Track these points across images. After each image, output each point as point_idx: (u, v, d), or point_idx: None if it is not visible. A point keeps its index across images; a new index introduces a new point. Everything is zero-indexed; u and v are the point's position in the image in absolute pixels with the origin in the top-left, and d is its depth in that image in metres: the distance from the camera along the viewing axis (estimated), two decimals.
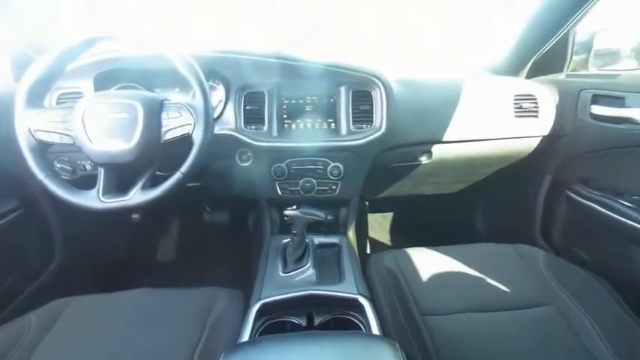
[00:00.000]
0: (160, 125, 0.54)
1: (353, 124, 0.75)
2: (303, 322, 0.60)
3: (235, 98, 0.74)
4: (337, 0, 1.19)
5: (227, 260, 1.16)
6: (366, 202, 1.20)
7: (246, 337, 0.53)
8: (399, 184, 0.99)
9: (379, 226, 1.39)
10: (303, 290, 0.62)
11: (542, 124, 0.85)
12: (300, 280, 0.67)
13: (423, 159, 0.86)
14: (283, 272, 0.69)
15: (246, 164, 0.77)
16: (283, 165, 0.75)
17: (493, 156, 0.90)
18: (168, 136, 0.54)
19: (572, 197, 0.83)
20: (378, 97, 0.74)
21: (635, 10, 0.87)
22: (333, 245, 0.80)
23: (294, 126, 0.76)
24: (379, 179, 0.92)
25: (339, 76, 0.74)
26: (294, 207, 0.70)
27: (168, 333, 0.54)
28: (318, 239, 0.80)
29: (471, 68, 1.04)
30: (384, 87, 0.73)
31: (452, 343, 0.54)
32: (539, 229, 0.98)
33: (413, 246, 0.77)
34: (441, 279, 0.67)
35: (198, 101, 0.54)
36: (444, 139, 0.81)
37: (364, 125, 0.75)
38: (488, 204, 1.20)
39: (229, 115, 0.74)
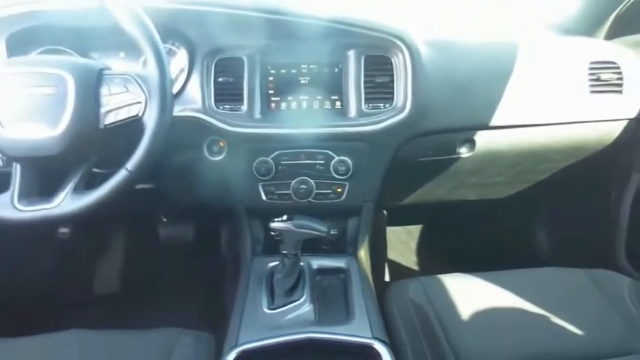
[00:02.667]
0: (98, 104, 0.54)
1: (366, 102, 0.75)
2: None
3: (203, 67, 0.74)
4: None
5: (191, 292, 1.16)
6: (385, 212, 1.22)
7: None
8: (430, 187, 1.00)
9: (402, 245, 1.42)
10: (298, 333, 0.61)
11: (629, 103, 0.90)
12: (292, 319, 0.66)
13: (463, 151, 0.88)
14: (269, 308, 0.68)
15: (218, 158, 0.77)
16: (269, 159, 0.75)
17: (559, 147, 0.93)
18: (110, 119, 0.54)
19: None
20: (401, 64, 0.74)
21: None
22: (338, 271, 0.80)
23: (283, 105, 0.76)
24: (402, 179, 0.94)
25: (346, 37, 0.75)
26: (284, 217, 0.69)
27: None
28: (318, 262, 0.80)
29: (530, 26, 1.07)
30: (409, 51, 0.74)
31: None
32: (623, 247, 1.04)
33: (448, 271, 0.79)
34: (487, 317, 0.70)
35: (152, 71, 0.53)
36: (492, 123, 0.84)
37: (381, 104, 0.76)
38: (551, 214, 1.25)
39: (194, 91, 0.74)
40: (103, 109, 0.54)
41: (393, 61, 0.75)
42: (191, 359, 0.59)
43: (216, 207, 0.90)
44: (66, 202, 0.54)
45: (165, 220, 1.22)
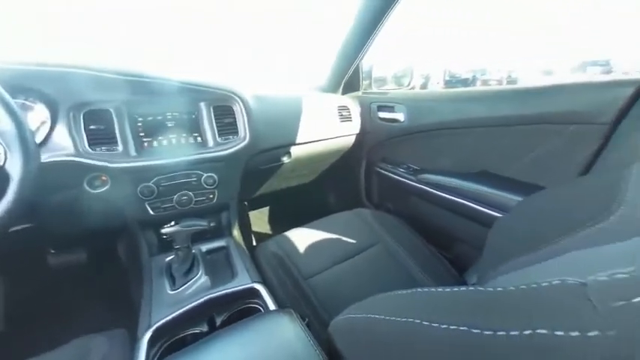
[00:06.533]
0: None
1: (219, 136, 0.73)
2: (205, 329, 0.57)
3: (69, 118, 0.58)
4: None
5: (95, 302, 0.88)
6: (245, 203, 1.20)
7: None
8: (269, 182, 1.04)
9: (259, 221, 1.42)
10: (199, 299, 0.58)
11: (355, 126, 1.07)
12: (194, 291, 0.62)
13: (285, 159, 0.94)
14: (172, 290, 0.62)
15: (102, 190, 0.63)
16: (150, 184, 0.66)
17: (331, 150, 1.06)
18: None
19: (379, 171, 1.13)
20: (239, 110, 0.76)
21: (393, 50, 1.26)
22: (221, 248, 0.78)
23: (155, 143, 0.67)
24: (252, 181, 0.96)
25: (197, 93, 0.71)
26: (172, 223, 0.64)
27: None
28: (206, 246, 0.77)
29: (304, 87, 1.18)
30: (243, 102, 0.75)
31: (328, 292, 0.63)
32: (364, 195, 1.22)
33: (289, 229, 0.82)
34: (313, 247, 0.75)
35: (6, 124, 0.41)
36: (297, 141, 0.91)
37: (230, 136, 0.74)
38: (333, 185, 1.37)
39: (62, 139, 0.58)
40: None
41: (234, 108, 0.75)
42: (107, 356, 0.48)
43: (108, 228, 0.73)
44: None
45: (52, 251, 0.88)
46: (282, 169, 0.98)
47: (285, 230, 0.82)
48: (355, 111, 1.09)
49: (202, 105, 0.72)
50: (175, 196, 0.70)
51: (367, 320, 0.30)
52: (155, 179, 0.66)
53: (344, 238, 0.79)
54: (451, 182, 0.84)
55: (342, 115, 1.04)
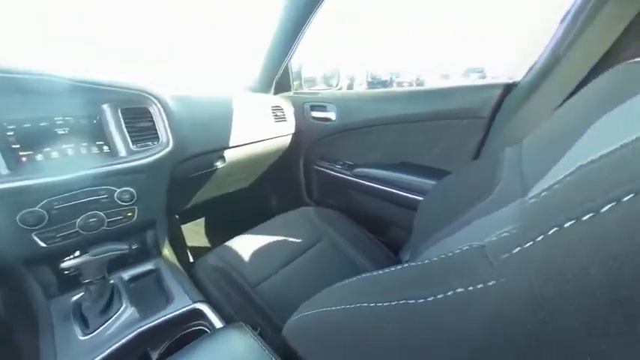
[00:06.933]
0: None
1: (134, 143, 0.61)
2: None
3: None
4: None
5: None
6: (176, 216, 1.07)
7: None
8: (202, 191, 0.95)
9: (195, 234, 1.28)
10: (125, 336, 0.49)
11: (290, 126, 1.05)
12: (117, 329, 0.51)
13: (219, 164, 0.87)
14: (84, 335, 0.50)
15: None
16: (37, 209, 0.50)
17: (268, 152, 1.02)
18: None
19: (317, 169, 1.15)
20: (157, 113, 0.65)
21: (320, 50, 1.29)
22: (149, 272, 0.67)
23: (39, 157, 0.51)
24: (182, 191, 0.85)
25: (97, 93, 0.57)
26: (77, 253, 0.50)
27: None
28: (129, 273, 0.65)
29: (234, 87, 1.12)
30: (160, 103, 0.65)
31: (279, 297, 0.61)
32: (305, 193, 1.23)
33: (230, 239, 0.76)
34: (258, 253, 0.71)
35: None
36: (231, 144, 0.85)
37: (149, 143, 0.63)
38: (273, 187, 1.33)
39: None
40: None
41: (150, 110, 0.64)
42: None
43: None
44: None
45: None
46: (217, 175, 0.90)
47: (226, 240, 0.76)
48: (289, 111, 1.07)
49: (106, 107, 0.58)
50: (79, 220, 0.55)
51: (319, 315, 0.30)
52: (44, 202, 0.51)
53: (289, 239, 0.77)
54: (381, 174, 0.91)
55: (276, 116, 1.01)
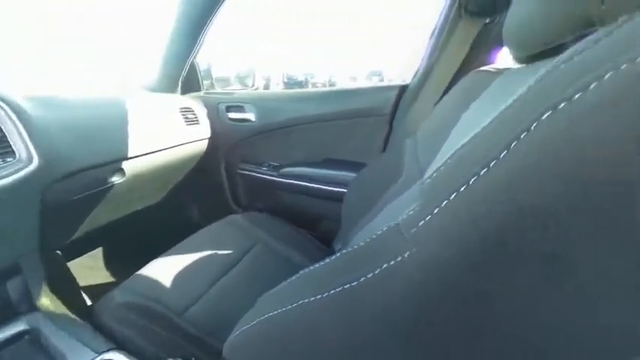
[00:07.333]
0: None
1: None
2: None
3: None
4: None
5: None
6: (58, 252, 0.82)
7: None
8: (95, 214, 0.76)
9: (91, 271, 1.03)
10: None
11: (204, 129, 0.97)
12: None
13: (116, 179, 0.72)
14: None
15: None
16: None
17: (181, 159, 0.92)
18: None
19: (242, 173, 1.09)
20: (6, 119, 0.49)
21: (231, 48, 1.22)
22: (21, 335, 0.50)
23: None
24: (63, 218, 0.67)
25: None
26: None
27: None
28: None
29: (127, 87, 0.98)
30: (11, 107, 0.50)
31: (214, 317, 0.55)
32: (231, 200, 1.16)
33: (143, 266, 0.65)
34: (182, 275, 0.62)
35: None
36: (130, 154, 0.72)
37: (0, 160, 0.49)
38: (194, 197, 1.21)
39: None
40: None
41: None
42: None
43: None
44: None
45: None
46: (114, 193, 0.75)
47: (138, 269, 0.64)
48: (201, 113, 0.99)
49: None
50: None
51: (260, 324, 0.29)
52: None
53: (219, 252, 0.69)
54: (306, 172, 0.94)
55: (187, 118, 0.92)
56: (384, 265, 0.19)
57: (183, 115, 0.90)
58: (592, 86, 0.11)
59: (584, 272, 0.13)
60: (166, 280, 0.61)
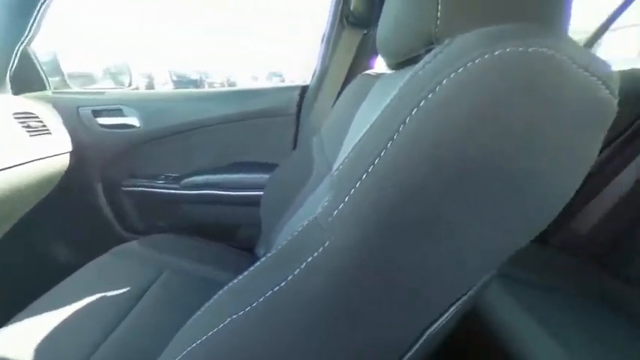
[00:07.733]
0: None
1: None
2: None
3: None
4: None
5: None
6: None
7: None
8: None
9: None
10: None
11: (62, 141, 0.76)
12: None
13: None
14: None
15: None
16: None
17: (27, 184, 0.69)
18: None
19: (130, 190, 0.90)
20: None
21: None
22: None
23: None
24: None
25: None
26: None
27: None
28: None
29: None
30: None
31: None
32: (118, 226, 0.95)
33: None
34: (59, 330, 0.48)
35: None
36: None
37: None
38: (61, 230, 0.95)
39: None
40: None
41: None
42: None
43: None
44: None
45: None
46: None
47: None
48: (52, 119, 0.76)
49: None
50: None
51: (190, 353, 0.25)
52: None
53: (111, 292, 0.56)
54: (213, 179, 0.86)
55: (30, 127, 0.69)
56: (309, 259, 0.20)
57: (22, 122, 0.67)
58: (437, 88, 0.15)
59: (456, 232, 0.18)
60: (32, 341, 0.45)
